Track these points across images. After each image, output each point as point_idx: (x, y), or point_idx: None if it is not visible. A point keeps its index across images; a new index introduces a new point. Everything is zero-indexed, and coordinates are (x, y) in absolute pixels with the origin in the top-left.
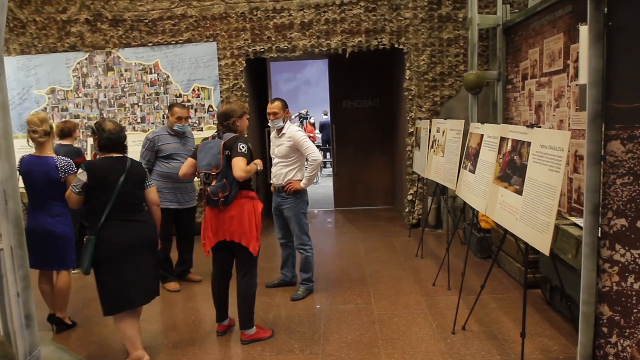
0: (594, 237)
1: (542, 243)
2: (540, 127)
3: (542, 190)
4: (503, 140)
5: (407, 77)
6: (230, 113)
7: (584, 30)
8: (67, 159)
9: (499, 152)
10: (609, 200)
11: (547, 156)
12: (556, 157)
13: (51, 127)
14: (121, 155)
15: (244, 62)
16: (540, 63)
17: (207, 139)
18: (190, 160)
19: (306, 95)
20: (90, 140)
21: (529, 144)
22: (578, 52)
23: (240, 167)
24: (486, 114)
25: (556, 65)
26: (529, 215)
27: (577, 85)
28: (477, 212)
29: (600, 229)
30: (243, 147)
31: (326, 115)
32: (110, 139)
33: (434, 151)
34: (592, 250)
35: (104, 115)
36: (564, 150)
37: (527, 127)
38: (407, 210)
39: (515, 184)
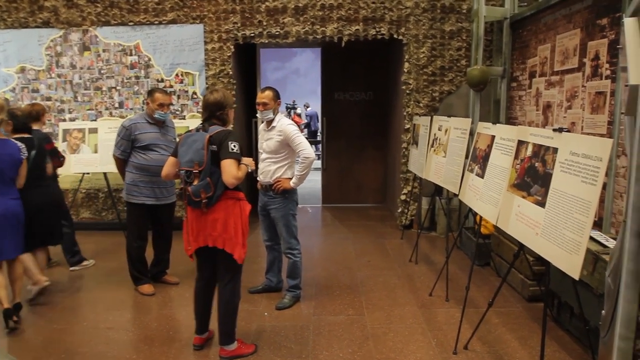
0: (637, 263)
1: (570, 264)
2: (568, 130)
3: (572, 204)
4: (521, 143)
5: (405, 70)
6: (224, 102)
7: (629, 23)
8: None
9: (516, 157)
10: None
11: (579, 165)
12: (592, 167)
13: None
14: (30, 135)
15: (232, 47)
16: (551, 60)
17: (189, 130)
18: (171, 159)
19: (294, 85)
20: (62, 125)
21: (555, 149)
22: (597, 50)
23: (230, 172)
24: (486, 112)
25: (569, 63)
26: (553, 231)
27: (626, 85)
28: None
29: None
30: (234, 147)
31: (308, 107)
32: (25, 123)
33: (434, 150)
34: (635, 279)
35: (78, 98)
36: (603, 160)
37: (554, 130)
38: (399, 211)
39: (535, 194)
